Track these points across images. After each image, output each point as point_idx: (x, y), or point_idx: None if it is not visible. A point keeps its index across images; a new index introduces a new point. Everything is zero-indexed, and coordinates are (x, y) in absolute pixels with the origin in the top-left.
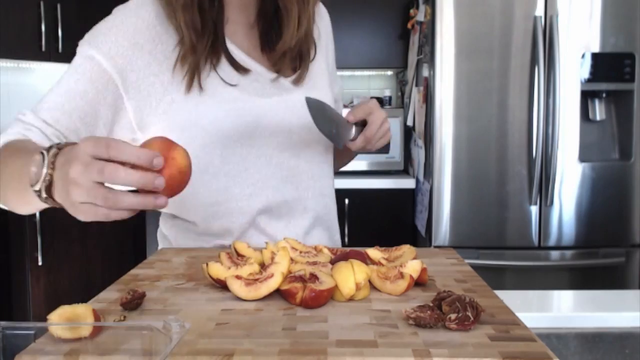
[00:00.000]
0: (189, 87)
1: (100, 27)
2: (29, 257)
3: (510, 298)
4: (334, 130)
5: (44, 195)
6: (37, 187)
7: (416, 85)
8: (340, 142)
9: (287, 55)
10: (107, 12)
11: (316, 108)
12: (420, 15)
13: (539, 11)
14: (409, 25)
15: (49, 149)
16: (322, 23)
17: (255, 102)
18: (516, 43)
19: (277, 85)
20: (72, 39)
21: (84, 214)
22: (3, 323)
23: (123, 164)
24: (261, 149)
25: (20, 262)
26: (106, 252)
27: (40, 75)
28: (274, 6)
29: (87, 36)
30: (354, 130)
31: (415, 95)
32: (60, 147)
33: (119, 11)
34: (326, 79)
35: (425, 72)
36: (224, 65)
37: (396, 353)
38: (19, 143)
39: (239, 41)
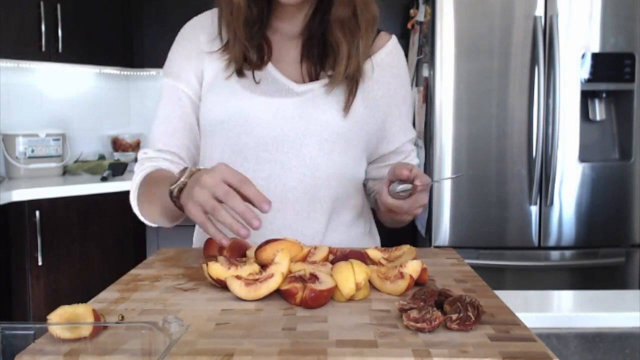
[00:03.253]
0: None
1: (170, 56)
2: (29, 257)
3: (510, 298)
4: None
5: (175, 194)
6: (172, 187)
7: (416, 85)
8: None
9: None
10: (106, 12)
11: None
12: (420, 15)
13: (539, 11)
14: (409, 25)
15: (187, 169)
16: (386, 74)
17: (252, 98)
18: (516, 43)
19: (283, 88)
20: (72, 39)
21: (191, 211)
22: (3, 323)
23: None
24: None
25: (20, 262)
26: (106, 252)
27: (40, 75)
28: (323, 24)
29: (166, 68)
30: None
31: (415, 95)
32: (198, 169)
33: (182, 34)
34: (357, 111)
35: (425, 72)
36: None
37: (396, 353)
38: (156, 172)
39: (279, 51)
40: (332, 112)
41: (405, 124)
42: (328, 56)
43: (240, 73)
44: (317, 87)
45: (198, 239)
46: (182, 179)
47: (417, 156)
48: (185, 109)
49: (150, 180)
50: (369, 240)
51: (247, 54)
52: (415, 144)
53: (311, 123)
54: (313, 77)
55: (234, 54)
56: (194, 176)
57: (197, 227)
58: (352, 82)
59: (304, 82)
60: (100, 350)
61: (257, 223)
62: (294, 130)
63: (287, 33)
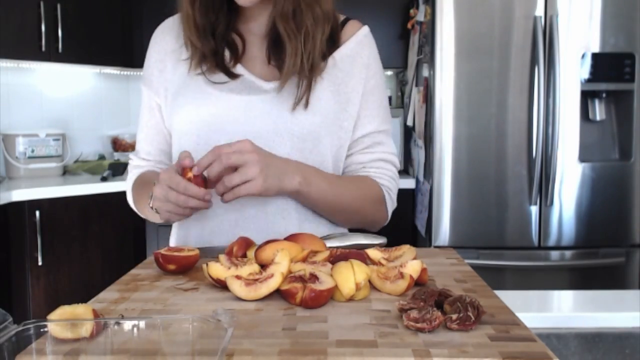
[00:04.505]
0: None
1: (146, 64)
2: (29, 257)
3: (510, 298)
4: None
5: (152, 208)
6: (150, 204)
7: (416, 85)
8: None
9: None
10: (107, 12)
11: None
12: (420, 15)
13: (539, 11)
14: (409, 25)
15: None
16: (357, 64)
17: (220, 96)
18: (516, 43)
19: (252, 86)
20: (72, 39)
21: (162, 215)
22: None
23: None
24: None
25: (20, 262)
26: (106, 252)
27: (40, 75)
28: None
29: (142, 74)
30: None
31: (415, 95)
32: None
33: (152, 39)
34: (327, 106)
35: (425, 72)
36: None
37: (396, 353)
38: (142, 177)
39: (249, 51)
40: (301, 108)
41: (374, 114)
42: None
43: (208, 72)
44: (285, 84)
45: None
46: (151, 194)
47: (392, 152)
48: (157, 117)
49: (139, 185)
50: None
51: (211, 55)
52: (415, 144)
53: (281, 120)
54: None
55: (193, 60)
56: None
57: (173, 227)
58: (304, 78)
59: (273, 80)
60: (100, 350)
61: (204, 203)
62: (264, 127)
63: (255, 33)
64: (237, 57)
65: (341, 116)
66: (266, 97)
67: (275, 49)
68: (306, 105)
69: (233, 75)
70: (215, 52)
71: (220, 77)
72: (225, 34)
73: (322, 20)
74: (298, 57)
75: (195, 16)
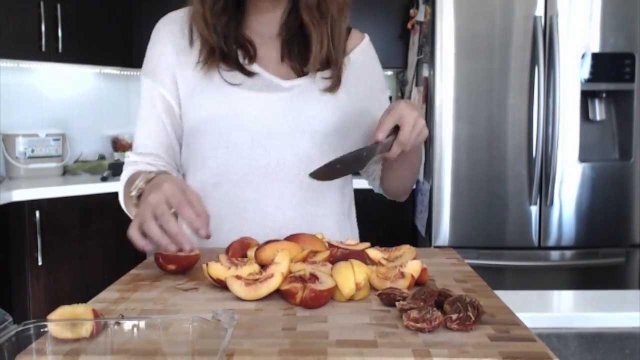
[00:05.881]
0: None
1: (148, 55)
2: (29, 257)
3: (510, 298)
4: (364, 156)
5: (134, 201)
6: (131, 194)
7: (416, 85)
8: (362, 165)
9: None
10: (106, 12)
11: (330, 171)
12: (420, 15)
13: (539, 11)
14: (409, 25)
15: (149, 173)
16: (363, 71)
17: (239, 94)
18: (516, 43)
19: (270, 84)
20: (72, 39)
21: (132, 224)
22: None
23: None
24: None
25: (20, 262)
26: (106, 252)
27: (40, 75)
28: (298, 21)
29: (143, 66)
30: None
31: (415, 95)
32: (154, 176)
33: (156, 30)
34: (342, 105)
35: (425, 72)
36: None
37: (396, 353)
38: (133, 175)
39: (260, 52)
40: (321, 105)
41: (384, 105)
42: (309, 53)
43: (223, 71)
44: (303, 82)
45: None
46: (138, 185)
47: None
48: (159, 108)
49: (129, 184)
50: (351, 225)
51: (220, 51)
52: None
53: (302, 116)
54: (297, 75)
55: (203, 53)
56: (148, 185)
57: None
58: (334, 65)
59: (289, 79)
60: (100, 350)
61: (187, 246)
62: (285, 124)
63: (265, 34)
64: (251, 57)
65: (353, 113)
66: (286, 95)
67: (290, 48)
68: (336, 86)
69: (249, 74)
70: (224, 50)
71: (236, 76)
72: (236, 35)
73: (344, 9)
74: (324, 44)
75: (206, 14)
